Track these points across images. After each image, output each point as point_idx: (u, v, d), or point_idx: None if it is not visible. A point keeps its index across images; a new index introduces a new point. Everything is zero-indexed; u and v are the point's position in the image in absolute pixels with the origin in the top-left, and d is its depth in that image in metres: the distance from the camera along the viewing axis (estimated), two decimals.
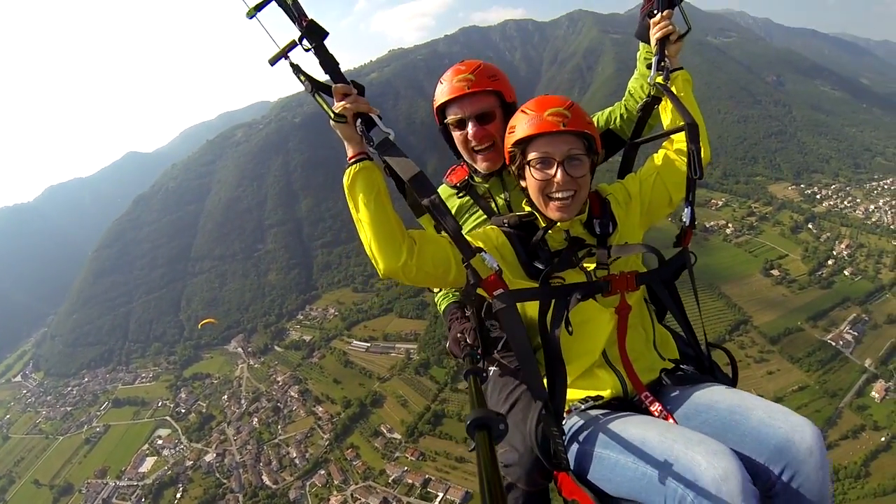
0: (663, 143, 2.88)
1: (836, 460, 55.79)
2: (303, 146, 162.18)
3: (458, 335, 3.06)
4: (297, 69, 2.40)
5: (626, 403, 2.50)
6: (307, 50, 2.39)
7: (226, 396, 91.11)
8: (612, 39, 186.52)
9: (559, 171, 2.47)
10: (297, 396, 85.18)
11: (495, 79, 3.05)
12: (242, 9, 2.38)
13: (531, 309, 2.55)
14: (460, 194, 3.28)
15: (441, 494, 60.80)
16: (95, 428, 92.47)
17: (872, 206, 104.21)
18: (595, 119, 3.34)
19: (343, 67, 2.47)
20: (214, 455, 77.48)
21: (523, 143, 2.56)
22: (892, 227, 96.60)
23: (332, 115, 2.42)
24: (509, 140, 2.63)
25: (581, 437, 2.36)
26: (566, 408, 2.51)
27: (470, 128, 3.04)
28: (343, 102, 2.40)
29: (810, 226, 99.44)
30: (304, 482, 69.23)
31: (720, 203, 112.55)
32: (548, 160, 2.50)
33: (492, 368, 3.20)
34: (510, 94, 3.10)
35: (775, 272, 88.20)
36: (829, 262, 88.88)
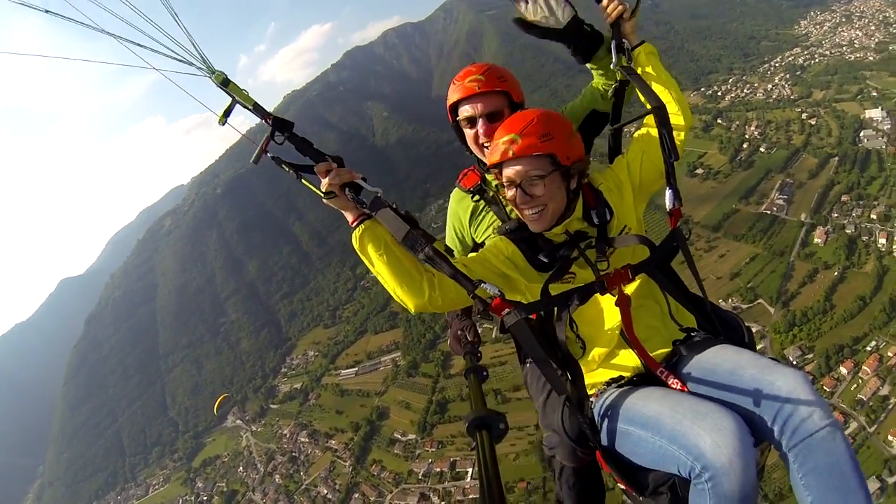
0: (644, 120, 2.99)
1: (802, 304, 60.96)
2: (232, 213, 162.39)
3: (459, 332, 3.24)
4: (278, 161, 2.58)
5: (648, 377, 2.64)
6: (280, 143, 2.58)
7: (241, 468, 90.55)
8: (489, 17, 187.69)
9: (518, 191, 2.59)
10: (307, 440, 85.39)
11: (504, 80, 3.17)
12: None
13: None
14: (474, 197, 3.39)
15: (471, 469, 63.22)
16: None
17: (770, 86, 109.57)
18: (576, 103, 3.50)
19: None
20: None
21: (497, 167, 2.70)
22: (791, 97, 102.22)
23: (321, 194, 2.57)
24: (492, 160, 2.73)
25: (610, 416, 2.53)
26: (593, 391, 2.72)
27: (480, 125, 3.16)
28: (327, 179, 2.52)
29: (719, 121, 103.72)
30: None
31: (632, 129, 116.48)
32: (510, 183, 2.65)
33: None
34: (518, 94, 3.22)
35: (699, 171, 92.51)
36: (745, 145, 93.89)
